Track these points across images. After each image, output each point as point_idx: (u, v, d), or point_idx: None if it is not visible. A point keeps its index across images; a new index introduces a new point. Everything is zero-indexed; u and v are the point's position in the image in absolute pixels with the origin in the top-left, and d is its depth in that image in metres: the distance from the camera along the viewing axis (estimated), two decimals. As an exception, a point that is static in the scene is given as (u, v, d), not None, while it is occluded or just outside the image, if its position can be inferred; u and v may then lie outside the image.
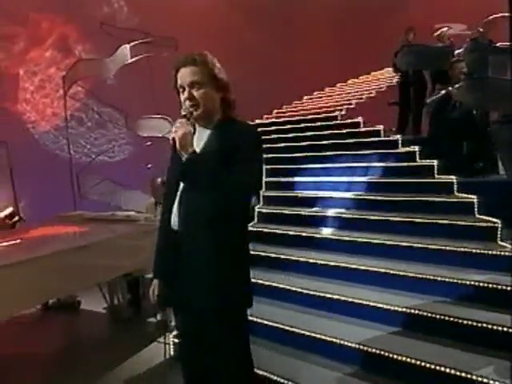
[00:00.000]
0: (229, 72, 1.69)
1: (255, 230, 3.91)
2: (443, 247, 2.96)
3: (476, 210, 3.21)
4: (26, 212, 6.60)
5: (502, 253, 2.77)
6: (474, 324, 2.38)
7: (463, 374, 2.12)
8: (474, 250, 2.85)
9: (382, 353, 2.37)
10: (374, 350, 2.40)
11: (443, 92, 3.83)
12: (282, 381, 2.41)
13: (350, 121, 5.09)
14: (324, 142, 4.75)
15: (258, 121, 6.27)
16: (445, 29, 5.15)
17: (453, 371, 2.15)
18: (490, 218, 3.04)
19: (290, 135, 5.28)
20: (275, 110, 7.25)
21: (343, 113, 5.61)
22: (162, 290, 1.78)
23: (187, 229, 1.63)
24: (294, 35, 8.26)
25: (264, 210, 4.19)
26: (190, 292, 1.63)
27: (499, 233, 2.94)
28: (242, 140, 1.58)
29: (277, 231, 3.79)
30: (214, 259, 1.59)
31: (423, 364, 2.23)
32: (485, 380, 2.06)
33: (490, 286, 2.57)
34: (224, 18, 8.03)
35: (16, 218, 6.46)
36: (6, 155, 5.10)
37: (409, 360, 2.28)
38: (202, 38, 7.74)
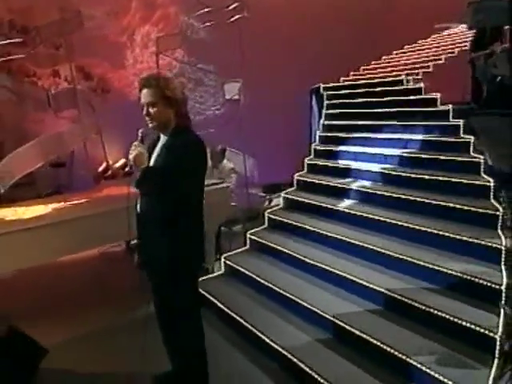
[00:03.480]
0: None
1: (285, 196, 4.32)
2: (441, 232, 2.97)
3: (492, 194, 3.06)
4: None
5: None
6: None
7: (407, 359, 2.31)
8: (469, 239, 2.82)
9: (353, 330, 2.61)
10: (347, 327, 2.65)
11: (487, 51, 3.45)
12: (255, 331, 2.90)
13: (411, 87, 4.83)
14: (376, 110, 4.68)
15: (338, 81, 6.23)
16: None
17: (398, 354, 2.35)
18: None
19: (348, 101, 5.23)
20: (362, 67, 7.06)
21: (428, 70, 5.27)
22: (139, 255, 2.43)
23: (144, 213, 2.24)
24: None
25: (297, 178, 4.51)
26: (147, 255, 2.29)
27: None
28: (183, 152, 2.07)
29: (304, 200, 4.10)
30: (158, 235, 2.18)
31: (383, 346, 2.42)
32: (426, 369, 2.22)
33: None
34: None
35: (127, 169, 7.84)
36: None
37: (371, 340, 2.49)
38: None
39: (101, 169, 8.06)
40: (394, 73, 5.65)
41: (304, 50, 7.52)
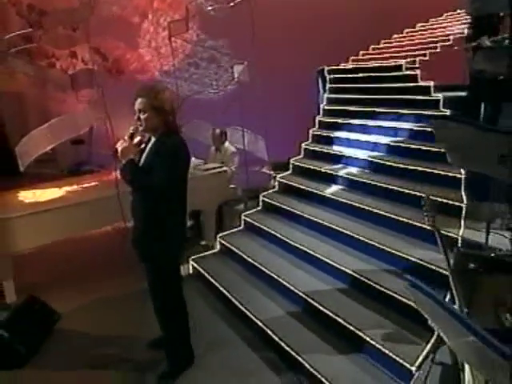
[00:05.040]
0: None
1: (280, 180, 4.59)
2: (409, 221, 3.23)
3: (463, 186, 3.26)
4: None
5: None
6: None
7: (360, 333, 2.63)
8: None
9: (322, 308, 2.93)
10: (316, 304, 2.97)
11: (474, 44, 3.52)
12: (239, 304, 3.27)
13: (407, 73, 4.91)
14: (369, 97, 4.82)
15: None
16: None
17: (355, 330, 2.68)
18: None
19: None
20: (372, 46, 7.08)
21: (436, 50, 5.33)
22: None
23: (133, 201, 2.58)
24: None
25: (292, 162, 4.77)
26: (135, 241, 2.61)
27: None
28: (161, 151, 2.39)
29: (296, 185, 4.37)
30: (141, 223, 2.54)
31: (348, 326, 2.72)
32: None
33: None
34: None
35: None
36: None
37: (338, 319, 2.80)
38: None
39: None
40: (402, 54, 5.68)
41: (318, 28, 7.54)
